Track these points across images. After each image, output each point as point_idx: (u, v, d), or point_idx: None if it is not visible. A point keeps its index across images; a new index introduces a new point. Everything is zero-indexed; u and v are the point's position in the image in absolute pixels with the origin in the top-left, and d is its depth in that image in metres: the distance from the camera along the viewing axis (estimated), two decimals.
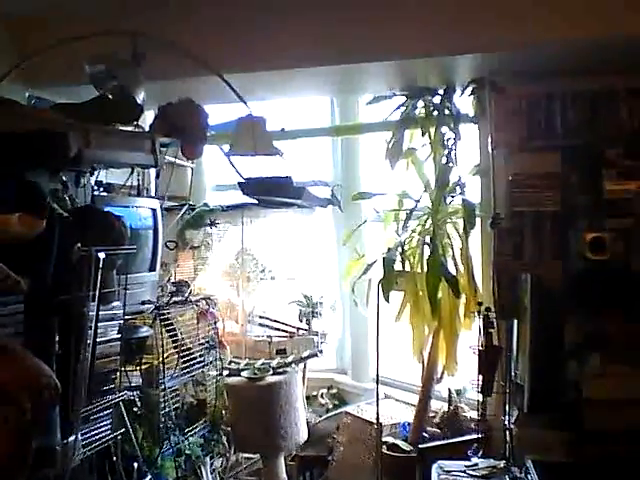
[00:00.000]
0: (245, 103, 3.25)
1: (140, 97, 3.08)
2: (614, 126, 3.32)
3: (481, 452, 3.28)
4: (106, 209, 2.72)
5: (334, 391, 4.50)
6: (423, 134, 3.67)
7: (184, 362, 3.57)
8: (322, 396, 4.43)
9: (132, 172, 3.17)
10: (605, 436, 3.05)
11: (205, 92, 3.49)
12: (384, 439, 3.63)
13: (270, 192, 3.72)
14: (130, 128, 3.07)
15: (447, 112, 3.66)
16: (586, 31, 2.92)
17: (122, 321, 2.73)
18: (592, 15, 2.90)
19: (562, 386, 3.19)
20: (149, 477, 3.02)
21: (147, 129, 3.24)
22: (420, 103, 3.73)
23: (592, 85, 3.34)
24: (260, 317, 4.46)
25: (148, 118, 3.46)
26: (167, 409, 3.37)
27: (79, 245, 2.36)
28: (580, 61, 3.15)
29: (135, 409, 3.23)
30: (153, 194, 3.84)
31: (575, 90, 3.38)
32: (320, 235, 4.62)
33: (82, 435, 2.44)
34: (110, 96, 2.93)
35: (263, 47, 3.25)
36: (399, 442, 3.62)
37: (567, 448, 3.10)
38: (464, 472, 3.06)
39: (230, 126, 3.36)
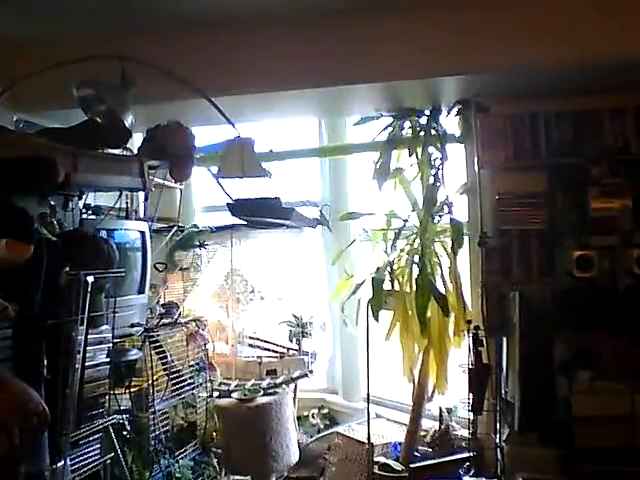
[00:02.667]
0: (233, 125, 3.27)
1: (128, 120, 3.10)
2: (598, 145, 3.37)
3: (472, 471, 3.28)
4: (94, 233, 2.71)
5: (325, 411, 4.48)
6: (410, 154, 3.70)
7: (174, 384, 3.56)
8: (313, 416, 4.41)
9: (120, 195, 3.17)
10: (596, 453, 3.05)
11: (193, 114, 3.51)
12: (376, 459, 3.62)
13: (259, 213, 3.72)
14: (118, 151, 3.08)
15: (434, 132, 3.70)
16: (568, 54, 2.98)
17: (111, 345, 2.72)
18: (573, 39, 2.97)
19: (552, 403, 3.21)
20: None
21: (135, 152, 3.25)
22: (407, 124, 3.77)
23: (576, 105, 3.40)
24: (250, 338, 4.45)
25: (136, 141, 3.49)
26: (157, 432, 3.36)
27: (67, 269, 2.36)
28: (564, 82, 3.22)
29: (125, 433, 3.20)
30: (142, 216, 3.83)
31: (559, 110, 3.44)
32: (309, 255, 4.63)
33: (71, 460, 2.43)
34: (98, 120, 2.94)
35: (250, 70, 3.28)
36: (391, 462, 3.61)
37: (558, 466, 3.10)
38: None
39: (218, 148, 3.39)
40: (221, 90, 3.24)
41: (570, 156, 3.38)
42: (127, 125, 3.02)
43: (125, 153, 3.14)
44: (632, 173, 3.31)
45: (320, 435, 4.24)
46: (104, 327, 2.66)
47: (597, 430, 3.07)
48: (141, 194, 3.81)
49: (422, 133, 3.72)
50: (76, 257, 2.41)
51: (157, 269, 3.93)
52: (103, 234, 2.90)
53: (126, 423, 3.23)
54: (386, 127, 3.79)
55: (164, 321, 3.58)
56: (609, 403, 3.11)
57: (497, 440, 3.27)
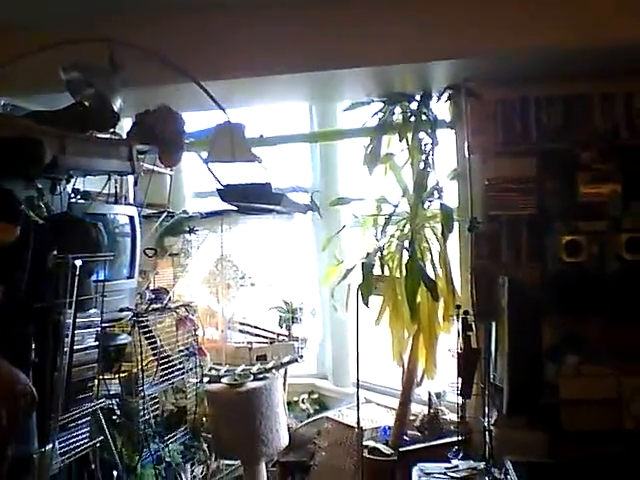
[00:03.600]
0: (223, 110, 3.25)
1: (117, 104, 3.07)
2: (588, 130, 3.38)
3: (461, 454, 3.29)
4: (83, 216, 2.70)
5: (315, 396, 4.51)
6: (400, 140, 3.69)
7: (163, 369, 3.56)
8: (303, 401, 4.44)
9: (109, 179, 3.15)
10: (582, 436, 3.07)
11: (182, 99, 3.48)
12: (365, 443, 3.64)
13: (249, 198, 3.71)
14: (107, 136, 3.06)
15: (424, 118, 3.69)
16: (559, 39, 2.97)
17: (100, 328, 2.71)
18: (564, 23, 2.96)
19: (540, 387, 3.21)
20: None
21: (124, 137, 3.23)
22: (397, 109, 3.76)
23: (566, 90, 3.40)
24: (240, 323, 4.46)
25: (125, 126, 3.46)
26: (147, 417, 3.36)
27: (55, 252, 2.35)
28: (554, 67, 3.22)
29: (114, 417, 3.21)
30: (131, 202, 3.82)
31: (550, 95, 3.43)
32: (299, 241, 4.62)
33: (59, 443, 2.43)
34: (86, 103, 2.91)
35: (240, 54, 3.25)
36: (380, 446, 3.63)
37: (546, 448, 3.12)
38: (444, 474, 3.06)
39: (208, 133, 3.37)
40: (211, 74, 3.22)
41: (560, 141, 3.39)
42: (115, 109, 2.99)
43: (113, 137, 3.11)
44: (621, 158, 3.32)
45: (310, 420, 4.26)
46: (93, 311, 2.65)
47: (584, 413, 3.10)
48: (130, 179, 3.80)
49: (412, 118, 3.71)
50: (64, 240, 2.40)
51: (147, 255, 3.92)
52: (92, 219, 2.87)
53: (115, 408, 3.23)
54: (376, 112, 3.78)
55: (154, 306, 3.57)
56: (596, 386, 3.14)
57: (485, 423, 3.27)
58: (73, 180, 2.97)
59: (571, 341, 3.28)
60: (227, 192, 3.56)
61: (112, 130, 3.12)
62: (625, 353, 3.13)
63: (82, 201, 3.08)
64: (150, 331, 3.49)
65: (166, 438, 3.51)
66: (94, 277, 2.69)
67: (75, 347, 2.48)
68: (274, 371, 3.94)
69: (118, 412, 3.24)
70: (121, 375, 3.28)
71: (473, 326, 3.31)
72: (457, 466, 3.16)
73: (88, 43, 3.00)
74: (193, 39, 3.26)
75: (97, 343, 2.71)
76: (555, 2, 2.97)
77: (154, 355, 3.54)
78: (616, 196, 3.30)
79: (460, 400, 3.37)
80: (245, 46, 3.26)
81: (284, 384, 4.17)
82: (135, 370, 3.32)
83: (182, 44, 3.21)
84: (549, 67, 3.23)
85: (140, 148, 3.18)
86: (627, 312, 3.19)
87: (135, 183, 3.78)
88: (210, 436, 3.82)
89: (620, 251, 3.26)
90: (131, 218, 3.37)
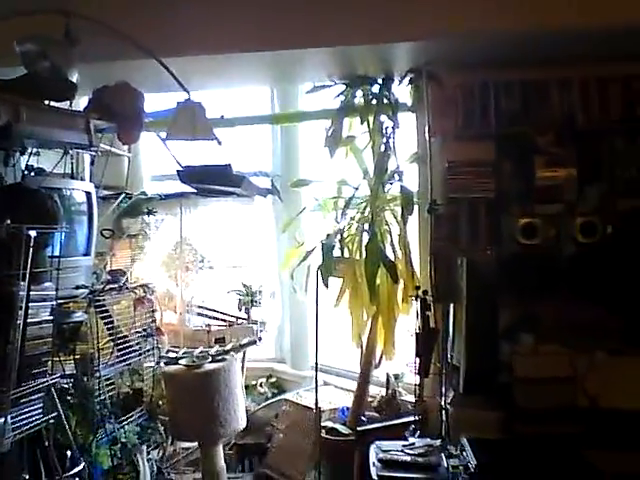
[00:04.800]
0: (183, 87, 3.21)
1: (74, 78, 3.01)
2: (545, 115, 3.43)
3: (418, 433, 3.33)
4: (37, 187, 2.64)
5: (273, 380, 4.50)
6: (362, 122, 3.69)
7: (120, 350, 3.50)
8: (261, 385, 4.43)
9: (65, 153, 3.08)
10: (537, 413, 3.14)
11: (142, 77, 3.41)
12: (323, 424, 3.64)
13: (209, 180, 3.67)
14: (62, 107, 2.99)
15: (386, 101, 3.70)
16: (518, 23, 3.01)
17: (54, 303, 2.65)
18: (524, 8, 2.99)
19: (496, 367, 3.26)
20: (82, 465, 2.93)
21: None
22: (359, 92, 3.76)
23: (525, 75, 3.45)
24: (199, 307, 4.42)
25: (82, 103, 3.39)
26: (102, 397, 3.30)
27: (8, 222, 2.29)
28: (513, 52, 3.25)
29: (68, 397, 3.14)
30: (88, 181, 3.75)
31: (508, 80, 3.48)
32: (259, 224, 4.60)
33: (11, 418, 2.37)
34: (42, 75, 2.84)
35: (200, 31, 3.21)
36: (338, 426, 3.65)
37: (500, 426, 3.18)
38: (401, 451, 3.10)
39: (168, 113, 3.33)
40: (170, 51, 3.16)
41: (518, 126, 3.44)
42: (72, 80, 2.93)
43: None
44: (577, 143, 3.38)
45: (268, 402, 4.26)
46: (47, 284, 2.60)
47: (538, 391, 3.17)
48: (87, 158, 3.72)
49: (374, 101, 3.72)
50: (18, 210, 2.34)
51: (103, 236, 3.86)
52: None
53: (70, 388, 3.17)
54: (338, 95, 3.78)
55: (111, 286, 3.51)
56: (550, 365, 3.21)
57: (442, 403, 3.32)
58: (27, 154, 2.90)
59: (526, 321, 3.34)
60: (187, 174, 3.52)
61: (69, 104, 3.06)
62: (578, 332, 3.20)
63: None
64: (107, 311, 3.43)
65: (122, 419, 3.46)
66: (49, 251, 2.63)
67: (29, 320, 2.43)
68: (232, 353, 3.92)
69: (73, 392, 3.17)
70: (76, 355, 3.21)
71: (432, 306, 3.35)
72: (414, 443, 3.19)
73: (44, 16, 2.93)
74: (153, 15, 3.21)
75: (52, 318, 2.64)
76: None
77: (110, 335, 3.48)
78: (571, 180, 3.36)
79: (417, 380, 3.41)
80: (205, 23, 3.23)
81: (242, 368, 4.15)
82: (91, 350, 3.26)
83: (142, 19, 3.16)
84: (508, 52, 3.26)
85: (98, 124, 3.12)
86: (581, 293, 3.25)
87: (92, 162, 3.70)
88: (167, 418, 3.78)
89: (575, 234, 3.32)
90: (88, 194, 3.30)
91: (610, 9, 2.86)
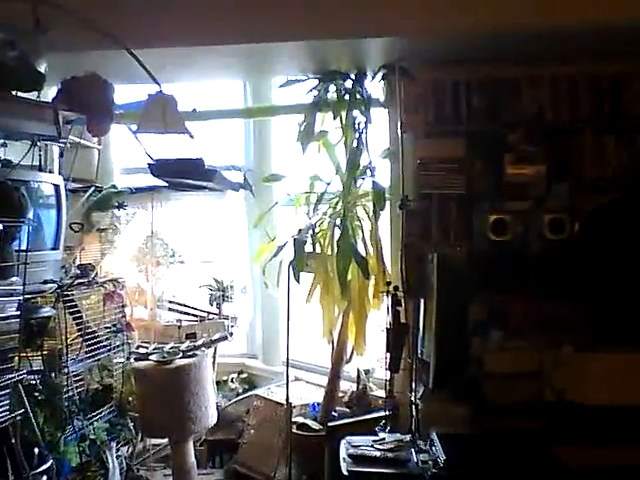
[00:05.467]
0: (155, 79, 3.17)
1: (42, 67, 2.95)
2: (515, 112, 3.47)
3: (388, 428, 3.35)
4: (4, 180, 2.59)
5: (244, 375, 4.49)
6: (335, 117, 3.70)
7: (89, 346, 3.47)
8: (232, 381, 4.41)
9: (33, 145, 3.03)
10: (505, 408, 3.17)
11: (112, 69, 3.36)
12: (294, 419, 3.65)
13: (181, 174, 3.64)
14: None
15: (358, 96, 3.70)
16: (489, 23, 3.03)
17: (21, 298, 2.61)
18: (495, 8, 3.01)
19: (466, 362, 3.29)
20: (50, 462, 2.90)
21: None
22: (332, 87, 3.76)
23: (496, 73, 3.47)
24: (170, 302, 4.39)
25: (50, 94, 3.33)
26: (70, 394, 3.26)
27: None
28: (485, 50, 3.29)
29: (36, 394, 3.10)
30: (56, 174, 3.69)
31: (480, 78, 3.50)
32: (231, 219, 4.58)
33: None
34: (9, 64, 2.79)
35: (173, 22, 3.17)
36: (309, 421, 3.66)
37: (469, 421, 3.21)
38: (371, 446, 3.11)
39: (139, 105, 3.28)
40: (142, 42, 3.10)
41: (489, 123, 3.47)
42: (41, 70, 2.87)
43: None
44: (546, 141, 3.42)
45: (239, 398, 4.25)
46: (14, 279, 2.55)
47: (507, 386, 3.20)
48: (56, 150, 3.66)
49: (347, 97, 3.72)
50: None
51: (72, 229, 3.81)
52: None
53: (38, 384, 3.12)
54: (311, 89, 3.77)
55: (79, 280, 3.47)
56: (519, 360, 3.25)
57: (412, 398, 3.34)
58: None
59: (496, 317, 3.38)
60: (158, 167, 3.48)
61: (37, 95, 3.00)
62: (547, 328, 3.25)
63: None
64: (75, 306, 3.39)
65: (91, 416, 3.42)
66: (16, 245, 2.58)
67: None
68: (203, 348, 3.89)
69: (40, 388, 3.13)
70: (44, 351, 3.17)
71: (402, 302, 3.37)
72: (384, 438, 3.21)
73: (12, 3, 2.88)
74: (125, 5, 3.16)
75: (19, 313, 2.60)
76: None
77: (79, 331, 3.45)
78: (540, 177, 3.40)
79: (388, 375, 3.42)
80: (178, 15, 3.19)
81: (213, 363, 4.13)
82: (59, 346, 3.22)
83: (113, 9, 3.10)
84: (480, 50, 3.30)
85: (67, 115, 3.07)
86: (549, 289, 3.29)
87: (61, 154, 3.65)
88: (137, 414, 3.75)
89: (543, 230, 3.36)
90: (56, 187, 3.26)
91: (577, 9, 2.89)
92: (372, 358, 3.84)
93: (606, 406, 3.08)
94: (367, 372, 3.86)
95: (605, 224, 3.33)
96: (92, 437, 3.39)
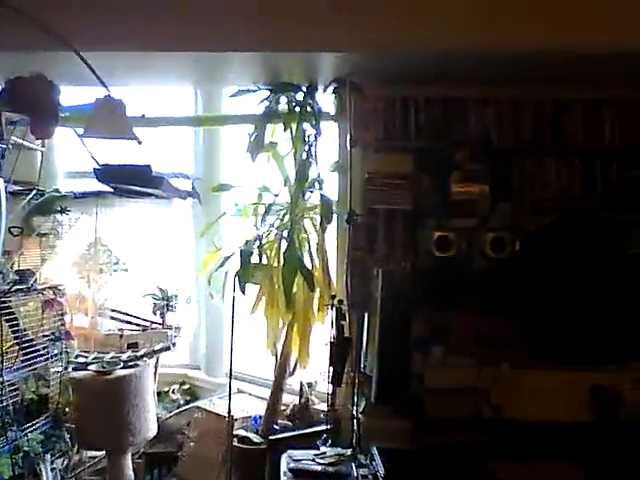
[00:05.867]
0: (103, 83, 3.11)
1: None
2: (462, 132, 3.54)
3: (330, 442, 3.34)
4: None
5: (186, 387, 4.43)
6: (285, 129, 3.69)
7: (25, 354, 3.37)
8: (174, 392, 4.34)
9: None
10: (445, 424, 3.21)
11: (59, 71, 3.28)
12: (235, 432, 3.61)
13: (127, 180, 3.58)
14: None
15: (309, 109, 3.71)
16: (440, 42, 3.08)
17: None
18: (446, 27, 3.06)
19: (407, 377, 3.32)
20: None
21: None
22: (283, 99, 3.76)
23: (444, 93, 3.54)
24: (112, 310, 4.30)
25: None
26: (4, 403, 3.16)
27: None
28: (434, 69, 3.33)
29: None
30: None
31: (428, 96, 3.57)
32: (177, 227, 4.53)
33: None
34: None
35: (123, 26, 3.11)
36: (250, 435, 3.63)
37: (410, 435, 3.24)
38: (312, 460, 3.11)
39: (86, 108, 3.22)
40: (90, 44, 3.02)
41: (437, 140, 3.53)
42: None
43: None
44: (491, 160, 3.49)
45: (180, 410, 4.18)
46: None
47: (447, 402, 3.25)
48: None
49: (297, 109, 3.72)
50: None
51: (12, 233, 3.70)
52: None
53: None
54: (262, 100, 3.76)
55: (17, 287, 3.37)
56: (459, 376, 3.30)
57: (354, 412, 3.35)
58: None
59: (438, 333, 3.41)
60: (104, 172, 3.42)
61: None
62: (487, 344, 3.31)
63: None
64: (12, 313, 3.30)
65: (25, 427, 3.32)
66: None
67: None
68: (145, 359, 3.83)
69: None
70: None
71: (347, 316, 3.38)
72: (325, 452, 3.21)
73: None
74: (73, 5, 3.09)
75: None
76: (435, 5, 3.07)
77: (16, 339, 3.35)
78: (484, 195, 3.46)
79: (330, 389, 3.42)
80: (128, 19, 3.13)
81: (155, 373, 4.07)
82: None
83: (62, 9, 3.03)
84: (429, 69, 3.35)
85: (10, 116, 2.99)
86: (490, 306, 3.36)
87: (2, 156, 3.54)
88: (73, 425, 3.65)
89: (485, 248, 3.42)
90: None
91: (526, 34, 2.98)
92: (315, 371, 3.84)
93: (542, 422, 3.16)
94: (310, 385, 3.86)
95: (545, 244, 3.43)
96: (26, 449, 3.29)
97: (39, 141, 3.75)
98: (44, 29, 2.85)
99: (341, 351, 3.32)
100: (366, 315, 3.44)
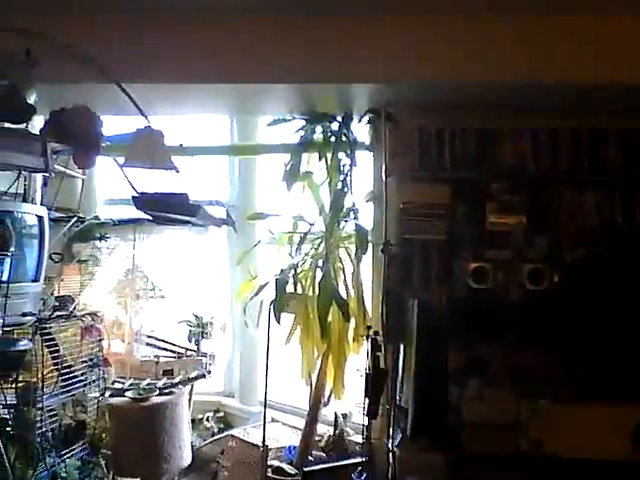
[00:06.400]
0: (143, 114, 3.18)
1: (31, 98, 2.96)
2: (498, 162, 3.53)
3: (365, 475, 3.31)
4: None
5: (220, 415, 4.43)
6: (320, 159, 3.74)
7: (64, 380, 3.41)
8: (208, 420, 4.35)
9: (19, 176, 3.02)
10: (483, 458, 3.16)
11: (101, 100, 3.36)
12: (269, 462, 3.59)
13: (165, 208, 3.62)
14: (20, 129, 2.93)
15: (344, 139, 3.74)
16: (475, 74, 3.11)
17: (0, 331, 2.57)
18: (480, 59, 3.10)
19: (444, 410, 3.28)
20: None
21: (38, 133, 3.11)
22: (319, 128, 3.80)
23: (479, 122, 3.54)
24: (148, 336, 4.34)
25: (37, 124, 3.33)
26: (43, 429, 3.20)
27: None
28: (470, 100, 3.35)
29: (8, 428, 3.04)
30: (39, 203, 3.67)
31: (464, 126, 3.56)
32: (213, 255, 4.57)
33: None
34: None
35: (162, 59, 3.20)
36: (284, 465, 3.60)
37: (447, 469, 3.19)
38: None
39: (126, 138, 3.28)
40: (132, 77, 3.12)
41: (472, 171, 3.52)
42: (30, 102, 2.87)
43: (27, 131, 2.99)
44: (528, 191, 3.48)
45: (214, 438, 4.18)
46: None
47: (484, 436, 3.19)
48: (39, 179, 3.65)
49: (333, 138, 3.76)
50: None
51: (53, 260, 3.77)
52: None
53: (9, 418, 3.06)
54: (298, 130, 3.81)
55: (58, 313, 3.43)
56: (497, 410, 3.24)
57: (390, 444, 3.32)
58: None
59: (474, 365, 3.37)
60: (142, 200, 3.46)
61: (23, 127, 3.00)
62: (524, 378, 3.26)
63: None
64: (53, 339, 3.35)
65: (63, 453, 3.35)
66: None
67: None
68: (180, 386, 3.86)
69: (13, 423, 3.06)
70: (18, 384, 3.11)
71: (382, 347, 3.35)
72: None
73: (4, 33, 2.88)
74: (116, 39, 3.18)
75: None
76: (467, 38, 3.10)
77: (55, 364, 3.39)
78: (521, 226, 3.45)
79: (366, 421, 3.39)
80: (168, 51, 3.21)
81: (189, 401, 4.08)
82: (34, 379, 3.16)
83: (104, 44, 3.12)
84: (465, 100, 3.37)
85: (54, 146, 3.06)
86: (527, 339, 3.31)
87: (44, 184, 3.64)
88: (109, 452, 3.67)
89: (522, 280, 3.39)
90: (40, 218, 3.23)
91: (561, 68, 3.00)
92: (350, 402, 3.81)
93: (583, 459, 3.07)
94: (345, 416, 3.83)
95: (584, 277, 3.38)
96: (63, 475, 3.31)
97: (80, 169, 3.82)
98: (88, 62, 2.93)
99: (377, 382, 3.29)
100: (402, 346, 3.42)
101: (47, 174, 3.15)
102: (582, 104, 3.26)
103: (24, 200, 3.33)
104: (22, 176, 3.11)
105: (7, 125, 2.80)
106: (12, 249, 2.58)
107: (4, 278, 2.62)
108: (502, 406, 3.25)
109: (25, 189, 3.34)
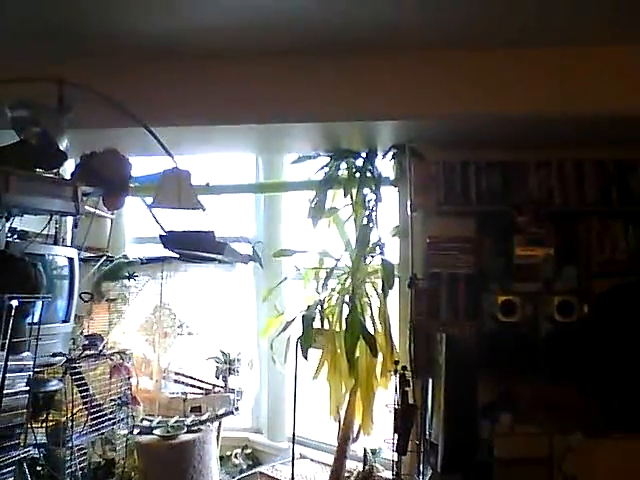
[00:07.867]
0: (170, 155, 3.25)
1: (63, 145, 3.03)
2: (524, 195, 3.52)
3: None
4: (22, 255, 2.63)
5: (249, 451, 4.42)
6: (345, 195, 3.77)
7: (93, 419, 3.43)
8: (236, 456, 4.33)
9: (50, 219, 3.08)
10: None
11: (130, 143, 3.47)
12: None
13: (191, 246, 3.67)
14: (51, 175, 3.00)
15: (369, 174, 3.78)
16: (499, 108, 3.13)
17: (31, 373, 2.61)
18: (504, 93, 3.13)
19: (475, 445, 3.23)
20: None
21: (68, 178, 3.19)
22: (343, 165, 3.85)
23: (504, 156, 3.55)
24: (176, 373, 4.35)
25: (69, 167, 3.42)
26: (73, 468, 3.21)
27: None
28: (494, 134, 3.37)
29: (38, 468, 3.06)
30: (69, 244, 3.74)
31: (489, 160, 3.58)
32: (240, 291, 4.60)
33: None
34: (32, 141, 2.86)
35: (190, 102, 3.29)
36: None
37: None
38: None
39: (154, 178, 3.35)
40: (160, 120, 3.20)
41: (498, 204, 3.52)
42: (62, 149, 2.95)
43: (58, 177, 3.06)
44: (555, 223, 3.46)
45: (243, 475, 4.16)
46: (25, 354, 2.56)
47: (517, 472, 3.13)
48: (70, 220, 3.72)
49: (357, 174, 3.80)
50: (1, 279, 2.32)
51: (82, 299, 3.82)
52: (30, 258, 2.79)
53: (40, 458, 3.08)
54: (323, 167, 3.86)
55: (87, 352, 3.47)
56: (529, 445, 3.18)
57: None
58: (11, 219, 2.90)
59: (505, 400, 3.34)
60: (169, 239, 3.51)
61: (55, 171, 3.07)
62: (556, 412, 3.21)
63: (19, 241, 3.01)
64: (82, 378, 3.38)
65: None
66: (29, 319, 2.60)
67: (5, 391, 2.38)
68: (208, 423, 3.86)
69: (43, 463, 3.08)
70: (48, 424, 3.14)
71: (411, 382, 3.34)
72: None
73: (37, 82, 2.98)
74: (144, 84, 3.27)
75: (27, 388, 2.58)
76: (491, 72, 3.13)
77: (84, 403, 3.42)
78: (549, 259, 3.43)
79: (395, 456, 3.36)
80: (195, 95, 3.30)
81: (217, 437, 4.08)
82: (64, 419, 3.19)
83: (133, 89, 3.20)
84: (489, 134, 3.39)
85: (85, 189, 3.13)
86: (559, 372, 3.27)
87: (75, 225, 3.70)
88: None
89: (552, 312, 3.36)
90: (70, 260, 3.29)
91: (585, 100, 3.01)
92: (379, 438, 3.78)
93: None
94: (374, 452, 3.80)
95: (614, 307, 3.34)
96: None
97: (110, 211, 3.89)
98: (117, 107, 3.01)
99: (406, 418, 3.27)
100: (430, 381, 3.39)
101: (78, 217, 3.20)
102: (610, 135, 3.25)
103: (55, 242, 3.39)
104: (53, 219, 3.17)
105: (39, 171, 2.86)
106: (43, 292, 2.60)
107: (35, 320, 2.64)
108: (534, 441, 3.19)
109: (56, 231, 3.40)
